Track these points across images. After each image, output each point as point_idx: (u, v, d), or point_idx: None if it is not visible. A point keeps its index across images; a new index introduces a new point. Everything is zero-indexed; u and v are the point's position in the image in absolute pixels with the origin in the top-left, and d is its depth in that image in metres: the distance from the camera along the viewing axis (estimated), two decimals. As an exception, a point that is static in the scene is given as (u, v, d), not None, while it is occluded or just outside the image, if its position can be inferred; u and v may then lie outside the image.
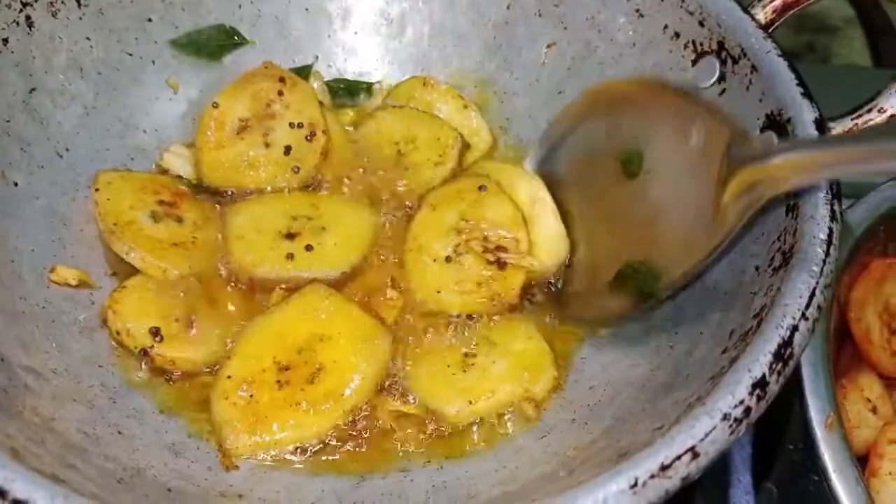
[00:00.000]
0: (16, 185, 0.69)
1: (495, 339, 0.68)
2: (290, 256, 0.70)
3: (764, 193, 0.55)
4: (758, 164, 0.55)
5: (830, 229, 0.54)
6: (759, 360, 0.48)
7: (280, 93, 0.77)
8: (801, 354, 0.49)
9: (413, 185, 0.78)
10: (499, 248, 0.72)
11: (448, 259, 0.71)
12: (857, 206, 0.78)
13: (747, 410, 0.46)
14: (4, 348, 0.60)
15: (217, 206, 0.75)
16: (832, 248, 0.53)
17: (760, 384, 0.47)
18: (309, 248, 0.71)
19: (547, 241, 0.74)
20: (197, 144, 0.77)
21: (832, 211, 0.55)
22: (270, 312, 0.67)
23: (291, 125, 0.77)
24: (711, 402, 0.46)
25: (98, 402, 0.62)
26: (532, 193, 0.76)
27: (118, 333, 0.66)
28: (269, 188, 0.76)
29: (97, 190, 0.71)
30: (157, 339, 0.65)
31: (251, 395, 0.63)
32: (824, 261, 0.53)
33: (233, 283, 0.70)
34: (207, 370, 0.66)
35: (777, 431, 0.75)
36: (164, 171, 0.78)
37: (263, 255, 0.70)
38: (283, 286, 0.70)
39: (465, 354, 0.67)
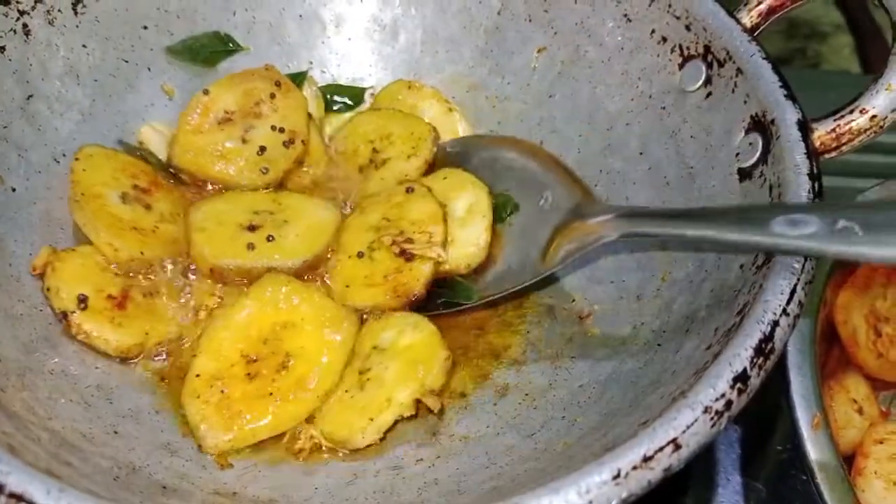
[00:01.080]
0: (13, 190, 0.70)
1: (384, 343, 0.67)
2: (251, 246, 0.70)
3: (582, 244, 0.67)
4: (579, 221, 0.68)
5: (812, 228, 0.55)
6: (740, 355, 0.49)
7: (272, 95, 0.78)
8: (782, 349, 0.50)
9: (387, 181, 0.80)
10: (407, 240, 0.73)
11: (360, 255, 0.73)
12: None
13: (728, 403, 0.47)
14: (3, 348, 0.61)
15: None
16: (813, 245, 0.54)
17: (741, 378, 0.48)
18: (270, 238, 0.71)
19: (466, 243, 0.75)
20: (178, 125, 0.78)
21: (814, 210, 0.56)
22: (230, 306, 0.67)
23: (273, 128, 0.78)
24: (693, 395, 0.47)
25: (94, 402, 0.63)
26: (473, 198, 0.77)
27: (48, 290, 0.66)
28: (233, 182, 0.76)
29: (77, 159, 0.72)
30: (82, 306, 0.65)
31: (222, 392, 0.63)
32: (805, 258, 0.54)
33: (177, 282, 0.71)
34: (117, 357, 0.66)
35: (765, 432, 0.76)
36: (140, 144, 0.78)
37: (224, 246, 0.70)
38: (244, 277, 0.70)
39: (360, 372, 0.66)
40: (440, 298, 0.73)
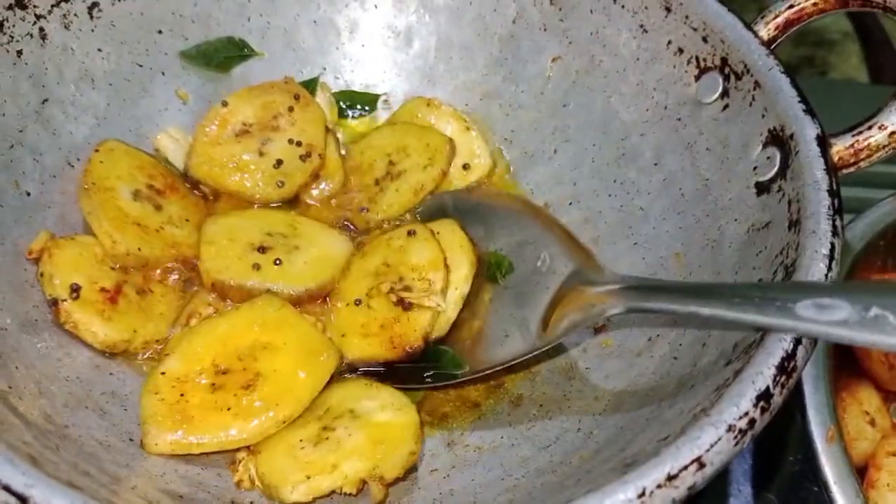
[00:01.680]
0: (28, 194, 0.70)
1: (360, 409, 0.64)
2: (257, 267, 0.70)
3: (586, 315, 0.63)
4: (582, 289, 0.64)
5: (832, 244, 0.55)
6: (763, 373, 0.49)
7: (290, 108, 0.78)
8: (804, 367, 0.50)
9: (403, 192, 0.79)
10: (404, 288, 0.69)
11: (358, 302, 0.70)
12: (858, 221, 0.79)
13: (752, 422, 0.47)
14: (19, 355, 0.61)
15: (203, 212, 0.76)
16: (834, 263, 0.54)
17: (764, 396, 0.48)
18: (277, 262, 0.70)
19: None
20: (194, 135, 0.78)
21: (834, 226, 0.56)
22: (218, 316, 0.67)
23: (290, 141, 0.78)
24: (716, 413, 0.47)
25: (109, 409, 0.63)
26: (454, 264, 0.72)
27: (41, 275, 0.66)
28: (248, 195, 0.76)
29: (97, 151, 0.72)
30: (74, 295, 0.65)
31: (182, 395, 0.62)
32: (826, 276, 0.54)
33: (169, 284, 0.71)
34: (102, 352, 0.66)
35: (778, 444, 0.76)
36: (156, 152, 0.78)
37: (229, 263, 0.70)
38: (245, 296, 0.69)
39: (325, 428, 0.62)
40: (427, 371, 0.69)
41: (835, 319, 0.47)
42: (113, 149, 0.74)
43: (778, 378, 0.49)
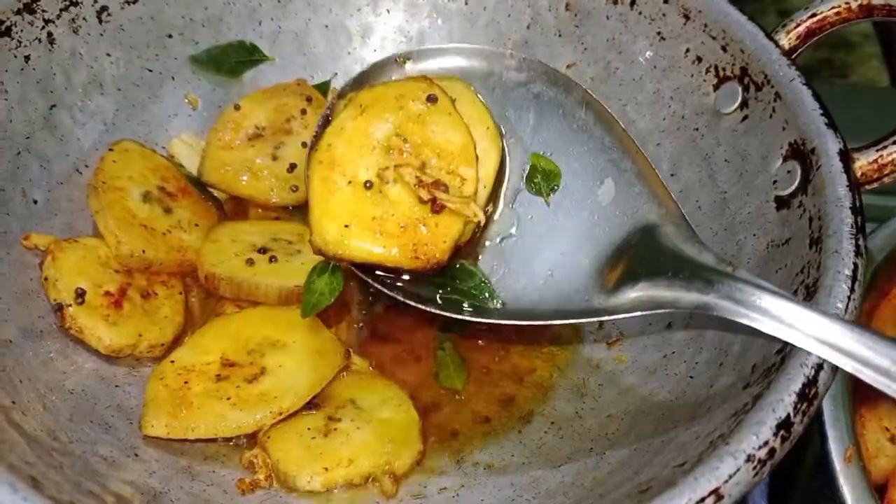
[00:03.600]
0: (35, 202, 0.70)
1: (362, 403, 0.64)
2: (251, 262, 0.70)
3: (671, 298, 0.53)
4: (668, 254, 0.54)
5: (855, 265, 0.53)
6: (783, 400, 0.47)
7: (303, 111, 0.78)
8: (825, 393, 0.49)
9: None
10: (437, 183, 0.57)
11: (368, 185, 0.57)
12: (878, 231, 0.77)
13: (771, 452, 0.46)
14: (23, 368, 0.60)
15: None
16: (857, 283, 0.53)
17: (785, 424, 0.47)
18: (273, 259, 0.70)
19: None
20: (207, 140, 0.77)
21: (857, 246, 0.54)
22: (234, 313, 0.68)
23: (304, 145, 0.77)
24: (735, 442, 0.46)
25: (114, 422, 0.62)
26: (480, 152, 0.58)
27: (45, 279, 0.65)
28: (262, 199, 0.76)
29: (111, 150, 0.72)
30: (79, 300, 0.64)
31: (186, 382, 0.62)
32: (849, 297, 0.52)
33: (173, 286, 0.71)
34: (107, 356, 0.66)
35: (795, 461, 0.75)
36: (171, 158, 0.78)
37: (225, 259, 0.70)
38: (235, 291, 0.69)
39: (329, 418, 0.63)
40: (442, 290, 0.59)
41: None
42: (128, 149, 0.73)
43: (799, 405, 0.47)
